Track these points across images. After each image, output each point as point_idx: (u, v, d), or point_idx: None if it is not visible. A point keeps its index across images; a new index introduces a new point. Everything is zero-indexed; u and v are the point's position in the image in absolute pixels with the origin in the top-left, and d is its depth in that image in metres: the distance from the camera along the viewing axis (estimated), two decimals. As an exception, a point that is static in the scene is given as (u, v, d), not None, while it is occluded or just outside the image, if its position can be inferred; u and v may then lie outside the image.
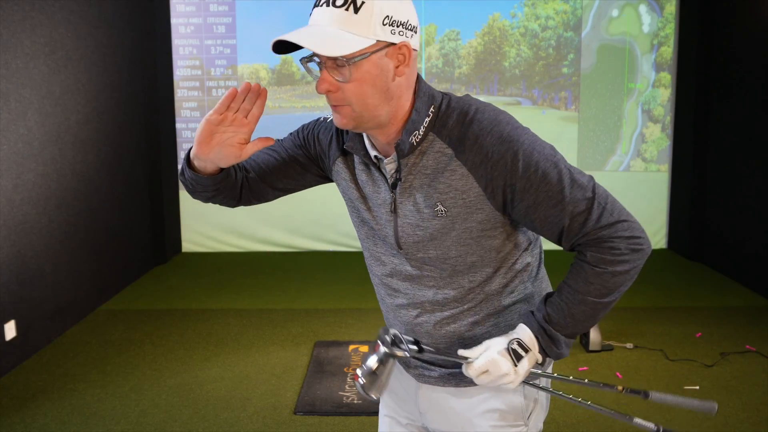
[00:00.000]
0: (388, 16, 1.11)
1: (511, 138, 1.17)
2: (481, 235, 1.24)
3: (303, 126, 1.42)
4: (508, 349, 1.20)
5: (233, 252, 5.99)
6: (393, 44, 1.13)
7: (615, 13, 5.73)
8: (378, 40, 1.11)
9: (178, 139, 5.88)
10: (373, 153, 1.26)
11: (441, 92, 1.25)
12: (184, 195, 5.97)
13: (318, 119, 1.41)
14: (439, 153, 1.21)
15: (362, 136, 1.27)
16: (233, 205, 1.43)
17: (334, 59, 1.12)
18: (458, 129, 1.19)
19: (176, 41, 5.78)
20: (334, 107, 1.18)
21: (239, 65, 5.85)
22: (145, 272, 5.32)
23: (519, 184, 1.16)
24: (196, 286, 4.99)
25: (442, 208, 1.21)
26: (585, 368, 3.44)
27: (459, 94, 1.26)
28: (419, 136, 1.20)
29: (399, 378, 1.46)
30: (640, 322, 4.15)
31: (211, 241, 6.02)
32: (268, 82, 5.89)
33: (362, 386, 1.19)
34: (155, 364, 3.57)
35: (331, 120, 1.38)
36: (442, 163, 1.20)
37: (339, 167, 1.35)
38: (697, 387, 3.23)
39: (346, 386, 3.26)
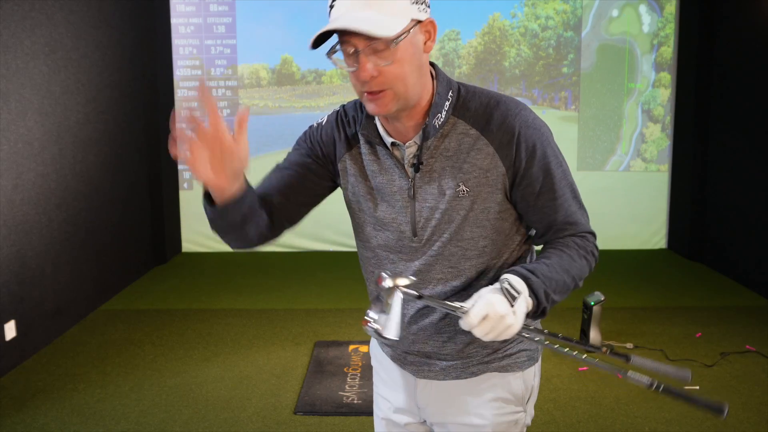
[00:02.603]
0: None
1: (535, 125, 1.24)
2: (497, 217, 1.27)
3: (300, 139, 1.39)
4: (501, 289, 1.16)
5: (233, 252, 5.99)
6: (421, 21, 1.17)
7: (615, 13, 5.73)
8: (412, 18, 1.14)
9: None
10: (389, 139, 1.27)
11: (453, 79, 1.29)
12: (184, 195, 5.97)
13: (311, 126, 1.39)
14: (462, 135, 1.23)
15: (376, 122, 1.28)
16: (270, 236, 1.33)
17: (378, 43, 1.11)
18: (483, 110, 1.24)
19: (176, 41, 5.78)
20: (373, 95, 1.16)
21: (239, 65, 5.85)
22: (145, 272, 5.32)
23: (532, 170, 1.23)
24: (196, 286, 4.99)
25: (464, 188, 1.23)
26: (585, 368, 3.44)
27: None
28: (441, 119, 1.22)
29: (394, 377, 1.47)
30: (640, 322, 4.15)
31: (211, 241, 6.02)
32: (269, 82, 5.89)
33: (376, 330, 1.06)
34: (155, 364, 3.57)
35: (326, 122, 1.37)
36: (465, 144, 1.23)
37: (347, 163, 1.34)
38: (697, 387, 3.23)
39: (346, 386, 3.26)
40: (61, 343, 3.86)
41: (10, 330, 3.45)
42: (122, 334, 4.02)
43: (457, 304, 1.15)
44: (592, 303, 3.57)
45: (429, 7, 1.19)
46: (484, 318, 1.11)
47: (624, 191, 5.92)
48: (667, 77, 5.82)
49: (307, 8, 5.75)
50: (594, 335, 3.62)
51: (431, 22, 1.19)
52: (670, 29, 5.74)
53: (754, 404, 3.07)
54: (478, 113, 1.24)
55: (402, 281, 1.12)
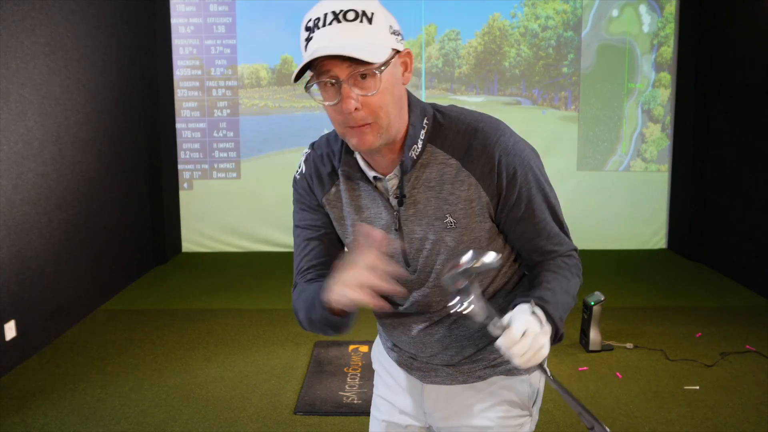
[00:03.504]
0: (390, 26, 1.13)
1: (515, 151, 1.20)
2: (488, 242, 1.26)
3: (294, 198, 1.37)
4: (531, 312, 1.14)
5: (233, 252, 5.99)
6: (399, 51, 1.15)
7: (615, 13, 5.73)
8: (392, 48, 1.12)
9: (178, 139, 5.88)
10: (371, 173, 1.23)
11: (428, 103, 1.26)
12: (184, 195, 5.97)
13: (294, 179, 1.36)
14: (442, 164, 1.21)
15: (356, 156, 1.24)
16: None
17: (363, 72, 1.08)
18: (461, 139, 1.20)
19: (176, 41, 5.78)
20: (358, 128, 1.12)
21: (239, 65, 5.85)
22: (145, 272, 5.32)
23: (512, 197, 1.21)
24: (196, 286, 4.99)
25: (452, 220, 1.21)
26: (585, 368, 3.44)
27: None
28: (418, 150, 1.19)
29: (399, 381, 1.47)
30: (640, 322, 4.14)
31: (211, 241, 6.02)
32: (269, 82, 5.89)
33: (469, 313, 1.08)
34: (155, 364, 3.57)
35: (305, 170, 1.33)
36: (447, 174, 1.20)
37: (326, 207, 1.31)
38: (697, 387, 3.23)
39: (346, 386, 3.26)
40: (61, 343, 3.86)
41: (10, 330, 3.45)
42: (122, 334, 4.02)
43: (496, 319, 1.12)
44: (592, 303, 3.57)
45: (403, 39, 1.18)
46: (524, 334, 1.09)
47: (624, 191, 5.92)
48: (667, 77, 5.81)
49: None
50: (594, 336, 3.62)
51: (408, 53, 1.17)
52: (670, 29, 5.74)
53: (754, 404, 3.07)
54: (456, 142, 1.20)
55: (488, 258, 1.10)
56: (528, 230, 1.25)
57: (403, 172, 1.20)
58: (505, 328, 1.11)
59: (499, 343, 1.11)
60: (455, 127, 1.21)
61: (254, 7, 5.78)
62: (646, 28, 5.76)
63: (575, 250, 1.32)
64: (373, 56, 1.07)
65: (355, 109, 1.10)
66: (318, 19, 1.10)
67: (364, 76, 1.09)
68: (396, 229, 1.25)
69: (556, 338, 1.20)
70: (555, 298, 1.21)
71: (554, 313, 1.18)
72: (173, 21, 5.74)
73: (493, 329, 1.12)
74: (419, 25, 5.79)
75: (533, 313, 1.13)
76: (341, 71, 1.08)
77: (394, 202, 1.24)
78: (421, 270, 1.27)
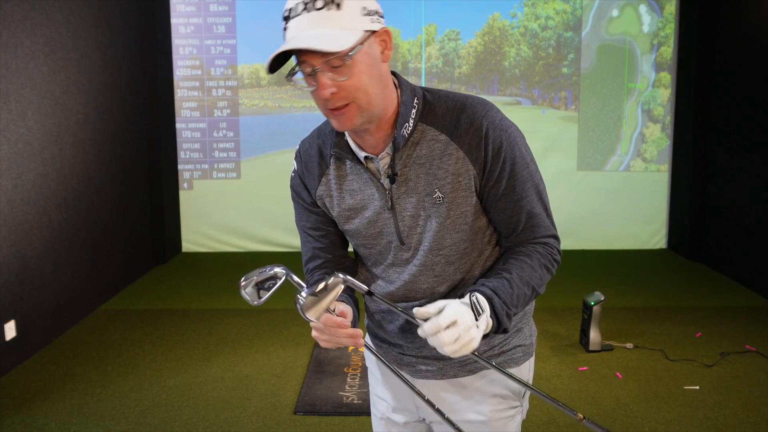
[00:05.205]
0: (364, 7, 1.14)
1: (502, 126, 1.23)
2: (474, 218, 1.27)
3: (292, 195, 1.41)
4: (469, 302, 1.16)
5: (233, 252, 5.99)
6: (375, 31, 1.16)
7: (615, 13, 5.73)
8: (365, 30, 1.14)
9: (178, 139, 5.88)
10: (362, 153, 1.27)
11: (417, 85, 1.29)
12: (184, 195, 5.97)
13: (291, 177, 1.40)
14: (432, 141, 1.23)
15: (347, 138, 1.28)
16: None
17: (333, 59, 1.11)
18: (450, 115, 1.23)
19: (176, 41, 5.78)
20: (337, 111, 1.16)
21: (239, 65, 5.85)
22: (145, 272, 5.32)
23: (496, 171, 1.23)
24: (196, 286, 4.99)
25: (440, 195, 1.24)
26: (585, 368, 3.44)
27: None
28: (410, 128, 1.23)
29: (391, 377, 1.48)
30: (640, 322, 4.15)
31: (211, 241, 6.02)
32: (268, 82, 5.89)
33: (301, 307, 1.12)
34: (155, 364, 3.57)
35: (297, 167, 1.37)
36: (436, 150, 1.23)
37: (322, 191, 1.34)
38: (697, 387, 3.23)
39: (346, 386, 3.26)
40: (61, 343, 3.86)
41: (10, 330, 3.45)
42: (122, 334, 4.02)
43: (420, 312, 1.13)
44: (592, 303, 3.57)
45: (383, 17, 1.19)
46: (453, 324, 1.10)
47: (624, 191, 5.92)
48: (667, 77, 5.82)
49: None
50: (594, 336, 3.62)
51: (386, 32, 1.18)
52: (670, 29, 5.75)
53: (754, 404, 3.07)
54: (446, 118, 1.24)
55: (351, 279, 1.14)
56: (509, 206, 1.26)
57: (395, 150, 1.23)
58: (432, 315, 1.11)
59: (424, 328, 1.11)
60: (444, 104, 1.25)
61: (254, 7, 5.78)
62: (646, 28, 5.76)
63: (555, 237, 1.31)
64: (337, 44, 1.09)
65: (332, 94, 1.13)
66: (291, 9, 1.13)
67: (340, 62, 1.12)
68: (389, 209, 1.28)
69: (498, 331, 1.21)
70: (510, 290, 1.22)
71: (500, 311, 1.19)
72: (173, 21, 5.74)
73: (417, 321, 1.13)
74: (419, 25, 5.79)
75: (472, 303, 1.14)
76: (315, 60, 1.11)
77: (385, 180, 1.26)
78: (415, 247, 1.30)
